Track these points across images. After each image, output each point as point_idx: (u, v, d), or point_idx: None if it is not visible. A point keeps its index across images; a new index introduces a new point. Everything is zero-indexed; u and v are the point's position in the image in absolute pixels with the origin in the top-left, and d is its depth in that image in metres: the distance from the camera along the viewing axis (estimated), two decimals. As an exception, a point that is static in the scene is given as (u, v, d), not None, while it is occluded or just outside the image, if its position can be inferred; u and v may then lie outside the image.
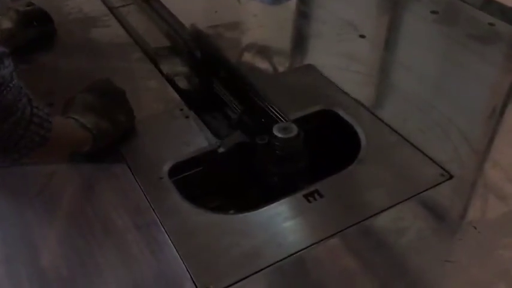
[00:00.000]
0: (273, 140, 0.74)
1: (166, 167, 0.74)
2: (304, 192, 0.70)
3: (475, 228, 0.65)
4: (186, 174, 0.75)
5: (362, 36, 1.05)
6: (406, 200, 0.69)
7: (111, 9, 1.13)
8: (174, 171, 0.74)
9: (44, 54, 1.00)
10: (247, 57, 1.01)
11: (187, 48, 0.96)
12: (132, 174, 0.72)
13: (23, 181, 0.72)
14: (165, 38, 1.04)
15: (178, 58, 0.98)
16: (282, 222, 0.67)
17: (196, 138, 0.79)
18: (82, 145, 0.72)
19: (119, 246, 0.63)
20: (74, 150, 0.72)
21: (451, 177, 0.72)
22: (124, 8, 1.14)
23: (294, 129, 0.75)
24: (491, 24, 1.07)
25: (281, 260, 0.61)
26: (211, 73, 0.92)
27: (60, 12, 1.12)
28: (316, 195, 0.69)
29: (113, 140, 0.75)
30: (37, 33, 1.02)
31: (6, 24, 0.99)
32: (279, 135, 0.74)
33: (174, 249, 0.62)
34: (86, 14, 1.14)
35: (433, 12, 1.12)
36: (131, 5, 1.14)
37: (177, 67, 0.95)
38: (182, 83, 0.91)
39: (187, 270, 0.60)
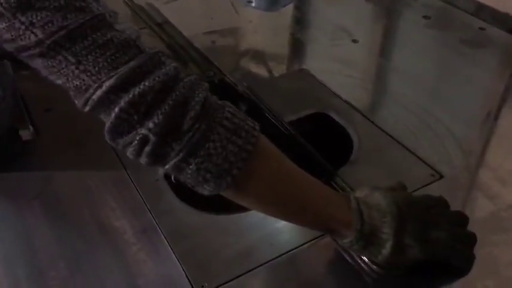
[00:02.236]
0: None
1: (162, 169, 0.75)
2: (297, 193, 0.71)
3: (464, 226, 0.66)
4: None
5: (355, 41, 1.07)
6: (396, 199, 0.70)
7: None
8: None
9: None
10: (243, 62, 1.02)
11: (206, 76, 0.93)
12: (129, 176, 0.74)
13: (22, 184, 0.74)
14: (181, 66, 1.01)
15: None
16: (274, 222, 0.68)
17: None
18: (336, 226, 0.57)
19: (115, 247, 0.64)
20: (323, 225, 0.58)
21: (441, 177, 0.73)
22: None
23: None
24: (481, 28, 1.09)
25: (273, 259, 0.62)
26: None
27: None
28: (308, 196, 0.71)
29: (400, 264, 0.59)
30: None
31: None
32: None
33: (170, 249, 0.64)
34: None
35: (425, 17, 1.14)
36: (145, 29, 1.12)
37: None
38: None
39: (183, 270, 0.61)
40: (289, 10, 1.23)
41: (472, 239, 0.61)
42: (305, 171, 0.57)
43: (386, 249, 0.56)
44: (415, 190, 0.71)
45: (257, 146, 0.52)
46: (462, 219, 0.63)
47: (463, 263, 0.61)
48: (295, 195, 0.56)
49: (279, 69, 1.02)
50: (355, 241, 0.56)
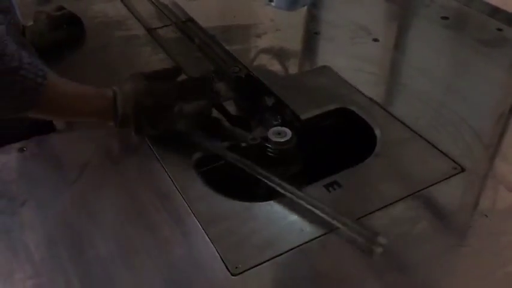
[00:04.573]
0: (267, 143, 0.77)
1: (193, 159, 0.78)
2: (324, 182, 0.74)
3: (487, 216, 0.69)
4: (212, 166, 0.80)
5: (375, 40, 1.09)
6: (420, 190, 0.72)
7: (150, 31, 1.14)
8: (200, 164, 0.78)
9: (72, 54, 1.06)
10: (266, 59, 1.05)
11: (232, 72, 0.94)
12: (162, 166, 0.77)
13: (59, 171, 0.77)
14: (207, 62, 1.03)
15: (222, 82, 0.95)
16: (303, 209, 0.71)
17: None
18: (101, 111, 0.75)
19: (152, 229, 0.67)
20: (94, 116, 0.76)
21: (463, 170, 0.76)
22: (162, 29, 1.15)
23: (288, 134, 0.78)
24: (499, 29, 1.12)
25: (302, 245, 0.65)
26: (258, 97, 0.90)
27: (86, 15, 1.18)
28: (335, 186, 0.74)
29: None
30: (66, 35, 1.07)
31: (37, 27, 1.05)
32: (273, 138, 0.77)
33: (204, 233, 0.66)
34: (111, 18, 1.20)
35: (443, 18, 1.17)
36: (170, 26, 1.16)
37: (223, 92, 0.92)
38: (231, 109, 0.89)
39: (217, 252, 0.64)
40: (310, 9, 1.26)
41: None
42: (83, 88, 0.75)
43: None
44: (438, 182, 0.73)
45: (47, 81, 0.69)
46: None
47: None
48: (71, 109, 0.75)
49: (301, 66, 1.05)
50: (117, 124, 0.75)
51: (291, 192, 0.70)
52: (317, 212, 0.68)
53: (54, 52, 1.04)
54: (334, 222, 0.66)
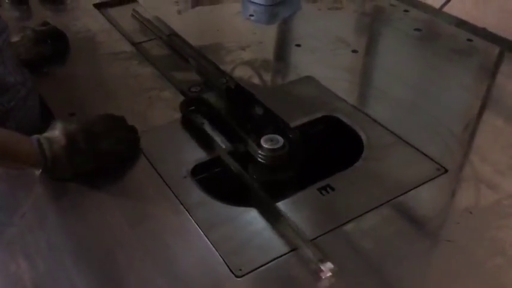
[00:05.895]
0: (260, 150, 0.80)
1: (188, 168, 0.80)
2: (318, 186, 0.77)
3: (471, 213, 0.73)
4: (207, 174, 0.82)
5: (354, 51, 1.14)
6: (408, 191, 0.76)
7: (135, 45, 1.15)
8: (196, 171, 0.80)
9: (59, 68, 1.07)
10: (251, 70, 1.08)
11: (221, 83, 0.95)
12: (159, 174, 0.78)
13: (55, 182, 0.77)
14: (195, 74, 1.03)
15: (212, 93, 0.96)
16: (298, 212, 0.73)
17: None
18: (26, 159, 0.73)
19: (153, 237, 0.69)
20: (21, 164, 0.73)
21: (446, 171, 0.80)
22: (147, 43, 1.17)
23: (280, 141, 0.81)
24: (469, 39, 1.18)
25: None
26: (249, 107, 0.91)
27: (70, 30, 1.19)
28: (328, 189, 0.77)
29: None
30: (51, 50, 1.08)
31: (23, 41, 1.05)
32: (266, 145, 0.80)
33: (205, 237, 0.68)
34: (94, 33, 1.21)
35: (416, 29, 1.22)
36: (154, 40, 1.18)
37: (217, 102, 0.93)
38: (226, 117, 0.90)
39: (220, 255, 0.66)
40: (289, 22, 1.31)
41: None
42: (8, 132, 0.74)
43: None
44: (424, 183, 0.78)
45: None
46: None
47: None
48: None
49: (286, 77, 1.09)
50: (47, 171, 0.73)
51: (266, 204, 0.73)
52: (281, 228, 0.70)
53: (40, 66, 1.05)
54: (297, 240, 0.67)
